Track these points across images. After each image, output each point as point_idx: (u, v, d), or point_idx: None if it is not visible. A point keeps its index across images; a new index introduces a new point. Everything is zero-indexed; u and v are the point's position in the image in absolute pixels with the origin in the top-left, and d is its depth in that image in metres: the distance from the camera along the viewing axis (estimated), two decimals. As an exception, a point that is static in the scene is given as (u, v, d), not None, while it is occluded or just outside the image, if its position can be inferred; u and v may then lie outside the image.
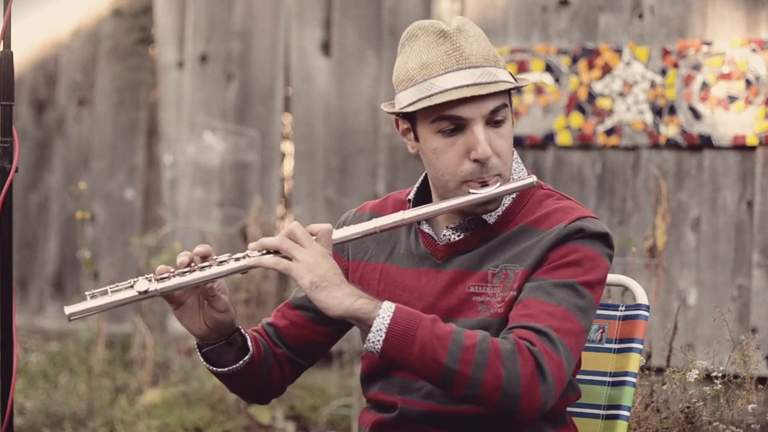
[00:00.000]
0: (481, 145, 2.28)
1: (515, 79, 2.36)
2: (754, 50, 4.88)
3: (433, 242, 2.40)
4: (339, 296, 2.18)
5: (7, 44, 2.51)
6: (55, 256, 6.88)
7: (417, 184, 2.47)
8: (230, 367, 2.40)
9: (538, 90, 5.32)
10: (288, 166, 6.24)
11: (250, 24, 6.28)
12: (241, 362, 2.40)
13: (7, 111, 2.51)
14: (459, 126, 2.29)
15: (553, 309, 2.22)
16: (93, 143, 6.84)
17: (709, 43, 4.98)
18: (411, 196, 2.46)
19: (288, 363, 2.50)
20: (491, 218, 2.36)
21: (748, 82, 4.89)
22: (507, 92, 2.35)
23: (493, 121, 2.30)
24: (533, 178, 2.34)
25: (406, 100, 2.32)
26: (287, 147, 6.25)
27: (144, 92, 6.71)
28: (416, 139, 2.36)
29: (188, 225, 6.20)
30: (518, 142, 5.34)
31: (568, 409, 2.48)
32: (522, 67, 5.33)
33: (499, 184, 2.31)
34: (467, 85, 2.27)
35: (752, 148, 4.91)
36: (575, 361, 2.25)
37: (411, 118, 2.35)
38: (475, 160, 2.29)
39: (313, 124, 6.11)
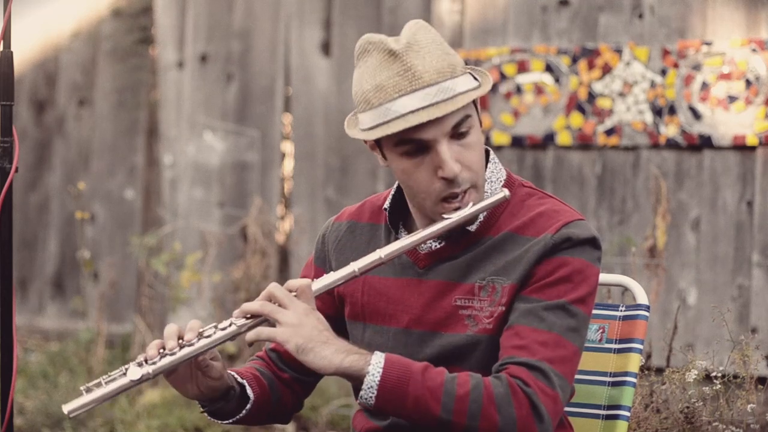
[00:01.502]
0: (448, 165, 2.23)
1: (477, 79, 2.30)
2: (754, 50, 4.88)
3: (415, 251, 2.37)
4: (327, 355, 2.17)
5: (7, 44, 2.51)
6: (55, 256, 6.88)
7: (392, 191, 2.43)
8: (234, 418, 2.42)
9: (538, 90, 5.31)
10: (288, 166, 6.24)
11: (250, 24, 6.28)
12: (244, 411, 2.42)
13: (7, 111, 2.51)
14: (423, 147, 2.25)
15: (545, 337, 2.19)
16: (93, 143, 6.84)
17: (709, 43, 4.98)
18: (387, 205, 2.42)
19: (297, 384, 2.52)
20: (473, 226, 2.33)
21: (748, 82, 4.89)
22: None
23: (457, 134, 2.26)
24: (505, 192, 2.30)
25: (365, 123, 2.28)
26: (287, 147, 6.25)
27: (144, 92, 6.71)
28: (384, 157, 2.34)
29: (188, 225, 6.20)
30: (518, 142, 5.34)
31: (569, 409, 2.48)
32: (522, 67, 5.33)
33: (471, 204, 2.27)
34: (424, 108, 2.21)
35: (752, 148, 4.91)
36: (571, 385, 2.24)
37: (376, 139, 2.31)
38: (443, 178, 2.25)
39: (313, 124, 6.11)
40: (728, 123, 4.93)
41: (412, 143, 2.25)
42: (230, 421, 2.42)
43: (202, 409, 2.42)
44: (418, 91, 2.22)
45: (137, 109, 6.71)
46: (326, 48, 6.11)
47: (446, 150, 2.24)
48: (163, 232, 6.09)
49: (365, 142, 2.36)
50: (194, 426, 5.22)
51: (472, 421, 2.13)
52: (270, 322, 2.22)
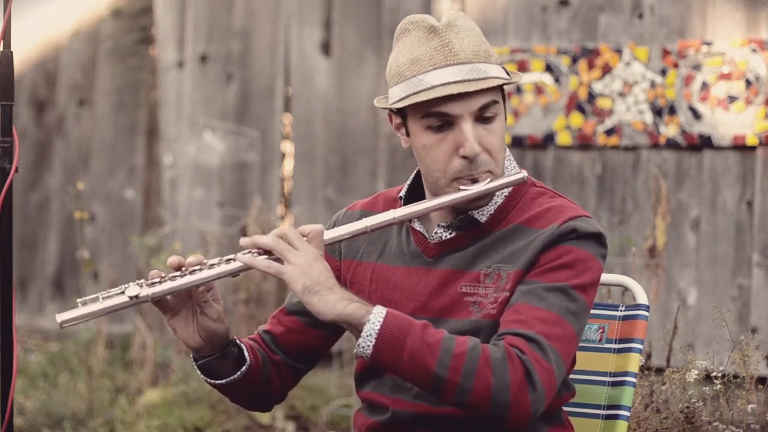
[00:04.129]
0: (469, 142, 2.27)
1: (509, 74, 2.34)
2: (754, 50, 4.88)
3: (425, 240, 2.38)
4: (332, 300, 2.17)
5: (7, 44, 2.51)
6: (55, 256, 6.88)
7: (408, 182, 2.45)
8: (227, 379, 2.39)
9: (538, 90, 5.31)
10: (288, 166, 6.24)
11: (250, 24, 6.28)
12: (238, 373, 2.39)
13: (7, 111, 2.51)
14: (447, 122, 2.28)
15: (544, 314, 2.21)
16: (93, 143, 6.84)
17: (709, 43, 4.98)
18: (402, 193, 2.44)
19: (287, 369, 2.50)
20: (483, 217, 2.35)
21: (748, 82, 4.89)
22: (499, 89, 2.33)
23: (482, 117, 2.29)
24: (523, 173, 2.33)
25: (395, 95, 2.32)
26: (287, 147, 6.25)
27: (144, 92, 6.71)
28: (407, 134, 2.36)
29: (188, 225, 6.20)
30: (518, 142, 5.34)
31: (568, 408, 2.48)
32: (522, 67, 5.33)
33: (489, 180, 2.30)
34: (454, 82, 2.26)
35: (752, 148, 4.91)
36: (566, 366, 2.24)
37: (402, 114, 2.35)
38: (464, 157, 2.28)
39: (313, 124, 6.11)
40: (728, 123, 4.93)
41: (438, 117, 2.28)
42: (222, 382, 2.39)
43: (195, 364, 2.39)
44: (452, 66, 2.27)
45: (137, 109, 6.71)
46: (326, 48, 6.11)
47: (470, 128, 2.27)
48: (163, 232, 6.09)
49: (391, 121, 2.39)
50: (194, 426, 5.22)
51: (466, 380, 2.14)
52: (278, 260, 2.21)
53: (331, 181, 6.06)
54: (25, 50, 6.88)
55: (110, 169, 6.77)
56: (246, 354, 2.40)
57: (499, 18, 5.42)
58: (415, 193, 2.44)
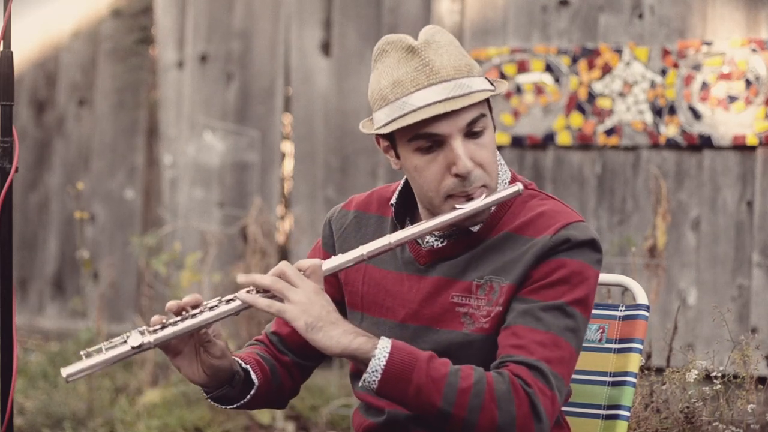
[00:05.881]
0: (461, 160, 2.25)
1: (492, 84, 2.32)
2: (754, 50, 4.88)
3: (417, 247, 2.38)
4: (335, 336, 2.18)
5: (7, 44, 2.51)
6: (55, 256, 6.88)
7: (399, 187, 2.45)
8: (239, 403, 2.43)
9: (538, 90, 5.31)
10: (288, 166, 6.24)
11: (250, 24, 6.28)
12: (248, 396, 2.43)
13: (7, 111, 2.51)
14: (437, 142, 2.26)
15: (543, 337, 2.21)
16: (93, 143, 6.84)
17: (709, 43, 4.98)
18: (393, 200, 2.44)
19: (296, 368, 2.52)
20: (476, 227, 2.34)
21: (748, 82, 4.89)
22: (485, 101, 2.30)
23: (471, 132, 2.27)
24: (518, 186, 2.31)
25: (381, 120, 2.30)
26: (287, 147, 6.25)
27: (144, 92, 6.71)
28: (397, 156, 2.35)
29: (188, 225, 6.20)
30: (518, 142, 5.34)
31: (569, 409, 2.48)
32: (522, 67, 5.33)
33: (484, 195, 2.28)
34: (440, 101, 2.23)
35: (752, 148, 4.91)
36: (568, 386, 2.25)
37: (390, 137, 2.33)
38: (457, 175, 2.26)
39: (313, 124, 6.11)
40: (728, 123, 4.93)
41: (426, 138, 2.26)
42: (234, 406, 2.44)
43: (206, 395, 2.42)
44: (435, 85, 2.25)
45: (137, 109, 6.71)
46: (326, 48, 6.11)
47: (460, 146, 2.25)
48: (163, 232, 6.09)
49: (378, 144, 2.38)
50: (194, 426, 5.22)
51: (471, 415, 2.15)
52: (278, 298, 2.22)
53: (331, 181, 6.06)
54: (25, 50, 6.88)
55: (110, 169, 6.77)
56: (253, 376, 2.43)
57: (499, 18, 5.42)
58: (407, 198, 2.43)
